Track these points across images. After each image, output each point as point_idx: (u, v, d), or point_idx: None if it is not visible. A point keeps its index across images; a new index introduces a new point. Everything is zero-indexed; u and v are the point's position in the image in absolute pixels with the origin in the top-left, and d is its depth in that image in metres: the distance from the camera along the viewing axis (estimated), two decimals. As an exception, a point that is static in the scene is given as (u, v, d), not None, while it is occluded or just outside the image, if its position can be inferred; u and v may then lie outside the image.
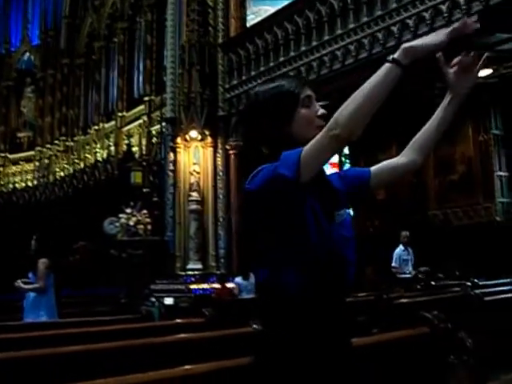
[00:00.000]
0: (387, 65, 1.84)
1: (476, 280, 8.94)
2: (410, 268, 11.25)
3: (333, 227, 1.97)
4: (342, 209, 2.06)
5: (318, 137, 1.81)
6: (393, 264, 11.18)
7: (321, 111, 2.04)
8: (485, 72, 12.77)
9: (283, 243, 1.92)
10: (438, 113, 2.21)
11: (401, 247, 11.27)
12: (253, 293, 11.07)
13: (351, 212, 2.16)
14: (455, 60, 2.12)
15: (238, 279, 11.29)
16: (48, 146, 25.39)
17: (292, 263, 1.90)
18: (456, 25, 1.90)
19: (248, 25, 14.30)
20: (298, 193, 1.85)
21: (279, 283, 1.91)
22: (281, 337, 1.91)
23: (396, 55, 1.83)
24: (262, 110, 2.05)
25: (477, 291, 6.97)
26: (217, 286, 12.42)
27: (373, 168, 2.25)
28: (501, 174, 14.37)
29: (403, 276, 11.05)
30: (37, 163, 25.83)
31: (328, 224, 1.95)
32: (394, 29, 10.17)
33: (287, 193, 1.85)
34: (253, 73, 13.33)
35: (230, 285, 11.99)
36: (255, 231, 2.01)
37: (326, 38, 11.46)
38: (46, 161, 25.35)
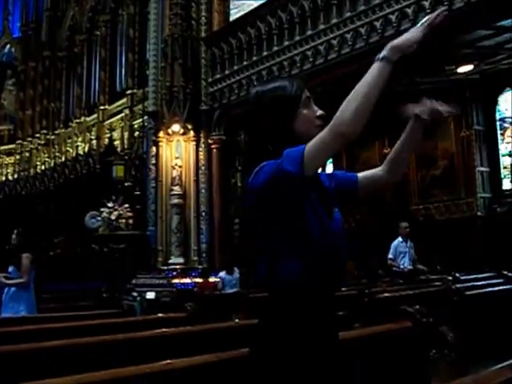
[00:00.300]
0: (378, 63, 1.93)
1: (457, 274, 9.00)
2: (407, 262, 10.77)
3: (331, 222, 2.09)
4: (335, 206, 2.18)
5: (321, 134, 1.90)
6: (388, 255, 10.80)
7: (319, 112, 2.17)
8: (466, 68, 12.85)
9: (287, 236, 2.02)
10: (406, 133, 2.43)
11: (399, 239, 10.85)
12: (237, 287, 11.08)
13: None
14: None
15: (222, 274, 11.27)
16: (29, 139, 25.18)
17: (295, 255, 2.00)
18: (429, 16, 2.03)
19: (231, 19, 14.24)
20: (301, 188, 1.96)
21: (282, 273, 2.00)
22: (280, 329, 1.99)
23: (384, 53, 1.93)
24: (267, 109, 2.15)
25: (458, 285, 7.02)
26: (199, 280, 12.41)
27: (359, 175, 2.40)
28: (482, 169, 14.48)
29: (397, 269, 10.73)
30: (17, 156, 25.60)
31: (328, 218, 2.07)
32: (377, 24, 10.18)
33: (291, 187, 1.95)
34: (236, 67, 13.29)
35: (212, 279, 11.98)
36: (257, 225, 2.10)
37: (309, 32, 11.43)
38: (27, 154, 25.14)
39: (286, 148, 1.98)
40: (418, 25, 2.02)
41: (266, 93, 2.17)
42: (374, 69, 1.92)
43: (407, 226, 10.92)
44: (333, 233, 2.07)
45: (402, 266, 10.69)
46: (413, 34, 1.99)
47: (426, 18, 2.03)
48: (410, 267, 10.73)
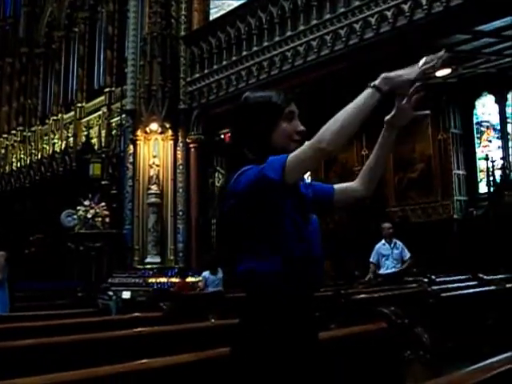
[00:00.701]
0: (369, 90, 2.02)
1: (433, 277, 9.06)
2: (390, 265, 10.18)
3: (307, 227, 2.14)
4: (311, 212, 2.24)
5: (303, 147, 1.98)
6: (370, 259, 10.35)
7: (300, 128, 2.21)
8: (444, 72, 12.93)
9: (264, 239, 2.08)
10: (379, 144, 2.46)
11: (382, 241, 10.31)
12: (220, 287, 11.04)
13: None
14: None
15: (206, 273, 11.22)
16: (5, 135, 24.96)
17: (272, 257, 2.06)
18: (427, 58, 2.07)
19: (211, 18, 14.23)
20: (280, 194, 2.02)
21: (260, 275, 2.06)
22: (259, 329, 2.04)
23: (377, 82, 2.01)
24: (247, 116, 2.23)
25: (434, 287, 7.06)
26: (175, 280, 12.37)
27: (335, 187, 2.44)
28: (459, 172, 14.60)
29: (383, 272, 10.20)
30: (-7, 153, 25.38)
31: (303, 224, 2.13)
32: (356, 26, 10.22)
33: (271, 193, 2.01)
34: (215, 66, 13.27)
35: (191, 279, 11.95)
36: (236, 228, 2.16)
37: (289, 33, 11.46)
38: (3, 151, 24.92)
39: (261, 155, 2.06)
40: (419, 64, 2.07)
41: (252, 98, 2.25)
42: (364, 94, 2.01)
43: (390, 226, 10.46)
44: (308, 238, 2.12)
45: (382, 270, 10.22)
46: (407, 72, 2.05)
47: (427, 58, 2.07)
48: (391, 271, 10.16)
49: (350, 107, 1.99)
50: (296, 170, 1.96)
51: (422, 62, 2.07)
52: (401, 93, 2.13)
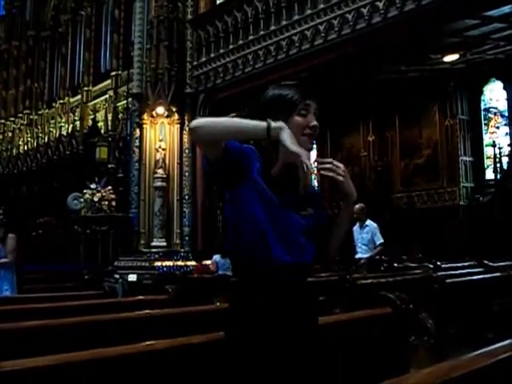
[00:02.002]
0: (263, 126, 2.06)
1: (438, 263, 9.05)
2: (359, 249, 9.63)
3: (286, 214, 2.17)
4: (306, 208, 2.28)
5: None
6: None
7: (313, 123, 2.26)
8: (452, 57, 12.88)
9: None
10: (335, 222, 2.44)
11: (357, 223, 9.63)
12: (229, 271, 11.04)
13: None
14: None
15: (217, 257, 11.22)
16: (12, 119, 24.98)
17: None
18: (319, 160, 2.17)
19: (218, 2, 14.16)
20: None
21: (232, 256, 2.23)
22: (237, 310, 2.10)
23: (272, 127, 2.06)
24: (262, 109, 2.28)
25: (439, 273, 7.06)
26: (193, 263, 12.43)
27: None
28: (465, 158, 14.55)
29: (356, 257, 9.61)
30: (0, 136, 25.39)
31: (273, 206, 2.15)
32: (364, 11, 10.15)
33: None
34: (221, 50, 13.22)
35: (207, 262, 11.96)
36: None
37: (296, 17, 11.38)
38: (10, 134, 24.95)
39: (272, 146, 2.16)
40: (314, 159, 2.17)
41: (270, 93, 2.33)
42: (256, 126, 2.08)
43: (359, 207, 9.36)
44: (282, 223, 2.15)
45: (357, 256, 9.63)
46: (298, 150, 2.05)
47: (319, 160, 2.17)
48: (361, 256, 9.64)
49: (238, 122, 2.09)
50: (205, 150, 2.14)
51: (317, 160, 2.17)
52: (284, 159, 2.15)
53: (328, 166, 2.17)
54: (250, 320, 2.03)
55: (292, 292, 2.11)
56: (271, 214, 2.12)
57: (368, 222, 9.80)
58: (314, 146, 17.86)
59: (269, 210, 2.12)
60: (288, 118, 2.21)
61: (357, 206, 9.28)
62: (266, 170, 2.20)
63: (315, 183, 14.58)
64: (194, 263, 12.34)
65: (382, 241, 9.74)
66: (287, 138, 2.06)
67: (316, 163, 2.17)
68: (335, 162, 2.18)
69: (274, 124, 2.06)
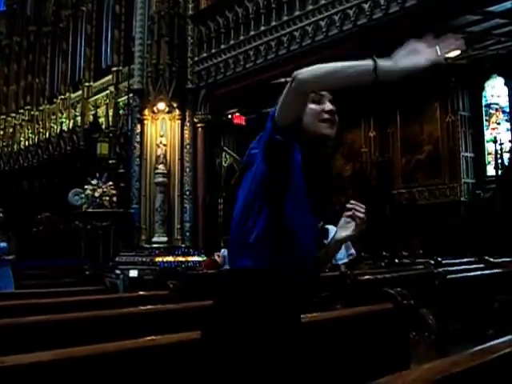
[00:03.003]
0: (368, 66, 1.83)
1: (439, 259, 9.06)
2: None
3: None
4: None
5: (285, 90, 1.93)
6: None
7: (328, 107, 2.18)
8: (453, 53, 12.84)
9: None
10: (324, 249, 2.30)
11: None
12: None
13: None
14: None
15: (225, 251, 11.22)
16: (13, 114, 24.98)
17: None
18: (442, 43, 1.92)
19: (219, -3, 14.16)
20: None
21: None
22: (243, 312, 1.98)
23: (379, 67, 1.82)
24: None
25: (440, 269, 7.06)
26: (200, 259, 12.43)
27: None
28: (467, 154, 14.54)
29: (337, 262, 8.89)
30: (1, 132, 25.40)
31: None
32: (365, 6, 10.14)
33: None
34: (222, 46, 13.21)
35: (215, 257, 11.96)
36: None
37: (297, 13, 11.38)
38: (11, 130, 24.95)
39: (296, 141, 2.03)
40: (438, 46, 1.92)
41: None
42: (361, 66, 1.85)
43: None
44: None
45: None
46: (416, 61, 1.91)
47: (445, 40, 1.93)
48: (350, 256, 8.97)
49: (342, 67, 1.87)
50: (283, 112, 1.93)
51: (440, 44, 1.90)
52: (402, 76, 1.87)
53: (362, 214, 2.18)
54: (247, 318, 1.96)
55: (294, 293, 2.05)
56: (302, 216, 2.07)
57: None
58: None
59: (301, 211, 2.06)
60: (303, 108, 2.10)
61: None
62: (308, 160, 2.11)
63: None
64: (195, 258, 12.34)
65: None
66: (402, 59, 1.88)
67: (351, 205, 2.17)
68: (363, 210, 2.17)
69: (378, 63, 1.83)
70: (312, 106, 2.16)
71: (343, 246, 8.89)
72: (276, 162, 1.98)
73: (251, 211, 2.04)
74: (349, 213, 2.21)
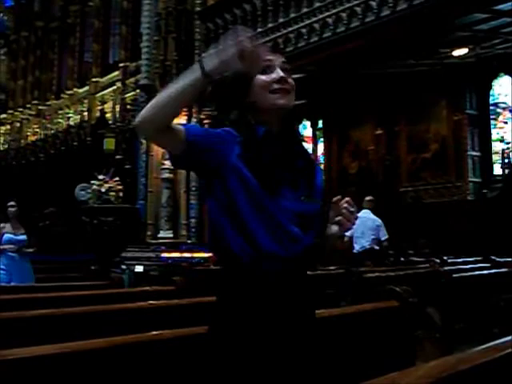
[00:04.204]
0: (195, 68, 1.90)
1: (445, 257, 9.06)
2: (364, 240, 9.82)
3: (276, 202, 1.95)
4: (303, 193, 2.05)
5: None
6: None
7: (278, 75, 2.03)
8: (461, 52, 12.83)
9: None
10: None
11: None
12: None
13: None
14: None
15: None
16: (20, 109, 25.03)
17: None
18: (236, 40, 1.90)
19: (226, -6, 14.15)
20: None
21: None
22: (231, 307, 1.93)
23: (207, 68, 1.87)
24: (227, 84, 2.10)
25: (446, 268, 7.07)
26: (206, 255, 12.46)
27: None
28: (473, 153, 14.52)
29: (356, 250, 9.83)
30: (8, 127, 25.47)
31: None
32: (373, 4, 10.13)
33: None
34: (230, 43, 13.20)
35: (200, 254, 12.00)
36: None
37: (305, 10, 11.38)
38: (18, 125, 25.01)
39: (249, 119, 2.02)
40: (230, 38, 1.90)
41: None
42: (189, 74, 1.92)
43: (368, 199, 10.17)
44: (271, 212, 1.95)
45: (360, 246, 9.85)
46: (226, 54, 1.88)
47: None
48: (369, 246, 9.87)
49: (169, 86, 1.91)
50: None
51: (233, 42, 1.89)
52: (227, 69, 1.89)
53: (350, 213, 1.99)
54: (235, 314, 1.90)
55: (280, 285, 1.92)
56: (256, 202, 1.90)
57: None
58: (322, 140, 17.87)
59: (253, 198, 1.90)
60: (249, 82, 2.04)
61: (368, 198, 10.01)
62: (250, 149, 1.95)
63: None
64: (201, 254, 12.36)
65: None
66: (214, 55, 1.88)
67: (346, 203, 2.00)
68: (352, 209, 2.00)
69: (206, 59, 1.88)
70: (260, 77, 2.03)
71: (368, 231, 9.31)
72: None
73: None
74: (343, 211, 2.01)
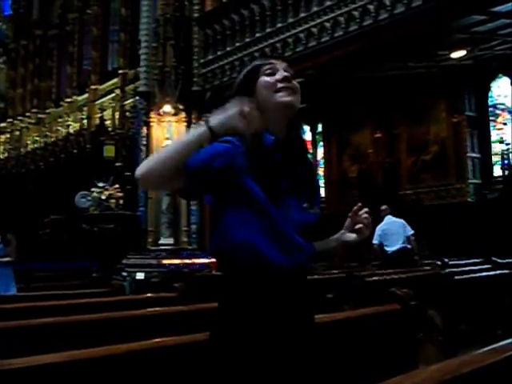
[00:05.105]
0: (203, 128, 1.94)
1: (446, 260, 9.05)
2: (398, 240, 10.38)
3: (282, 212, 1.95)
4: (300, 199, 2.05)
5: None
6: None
7: (281, 74, 2.08)
8: (459, 54, 12.84)
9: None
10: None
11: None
12: None
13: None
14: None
15: None
16: (19, 117, 25.05)
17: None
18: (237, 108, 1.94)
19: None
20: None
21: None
22: (234, 315, 1.92)
23: (211, 124, 1.93)
24: (234, 89, 2.15)
25: (447, 270, 7.07)
26: (208, 261, 12.46)
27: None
28: (473, 155, 14.52)
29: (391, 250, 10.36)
30: (8, 135, 25.49)
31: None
32: (371, 7, 10.13)
33: None
34: (228, 48, 13.21)
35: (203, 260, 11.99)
36: None
37: (303, 15, 11.39)
38: (17, 133, 25.03)
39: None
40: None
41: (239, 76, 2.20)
42: (196, 132, 1.97)
43: (384, 208, 10.82)
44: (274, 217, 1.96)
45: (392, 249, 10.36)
46: (233, 109, 1.94)
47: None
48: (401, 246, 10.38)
49: (176, 142, 2.01)
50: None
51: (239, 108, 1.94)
52: (236, 130, 1.93)
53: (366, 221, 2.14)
54: (237, 320, 1.90)
55: (284, 293, 1.93)
56: (263, 213, 1.91)
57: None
58: (321, 144, 17.87)
59: (260, 209, 1.91)
60: (254, 84, 2.09)
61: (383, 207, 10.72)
62: (256, 161, 1.93)
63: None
64: (202, 260, 12.34)
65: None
66: (222, 116, 1.93)
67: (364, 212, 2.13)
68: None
69: (212, 118, 1.94)
70: (265, 78, 2.08)
71: (399, 230, 9.65)
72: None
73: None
74: (362, 219, 2.15)
